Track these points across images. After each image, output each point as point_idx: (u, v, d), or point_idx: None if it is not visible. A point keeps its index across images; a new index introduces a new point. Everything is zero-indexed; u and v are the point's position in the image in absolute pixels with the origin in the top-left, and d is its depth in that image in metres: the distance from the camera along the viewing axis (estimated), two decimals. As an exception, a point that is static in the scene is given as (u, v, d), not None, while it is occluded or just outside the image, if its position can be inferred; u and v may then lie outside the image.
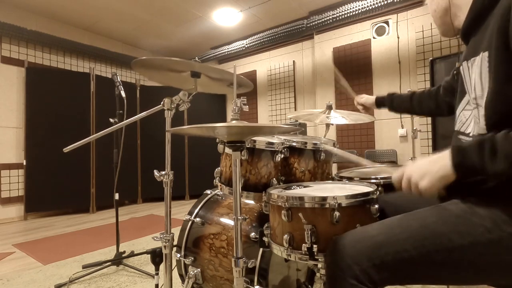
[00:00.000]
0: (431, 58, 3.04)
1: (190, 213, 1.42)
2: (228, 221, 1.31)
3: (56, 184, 4.03)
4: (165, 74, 1.25)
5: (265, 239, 1.01)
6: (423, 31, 3.72)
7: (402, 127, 3.87)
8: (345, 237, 0.75)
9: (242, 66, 5.58)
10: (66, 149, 1.36)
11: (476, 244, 0.64)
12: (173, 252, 1.29)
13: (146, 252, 1.46)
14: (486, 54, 0.69)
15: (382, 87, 4.01)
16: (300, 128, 0.99)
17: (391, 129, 3.95)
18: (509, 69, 0.64)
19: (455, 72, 0.87)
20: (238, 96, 0.95)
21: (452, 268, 0.66)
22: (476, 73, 0.72)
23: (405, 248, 0.67)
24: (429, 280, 0.70)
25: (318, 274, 0.95)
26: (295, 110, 4.94)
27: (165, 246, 1.24)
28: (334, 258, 0.73)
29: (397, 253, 0.67)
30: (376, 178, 1.19)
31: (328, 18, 4.20)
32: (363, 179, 1.21)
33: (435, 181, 0.67)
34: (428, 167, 0.69)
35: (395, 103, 1.34)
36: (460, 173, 0.65)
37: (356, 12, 3.95)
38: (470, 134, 0.76)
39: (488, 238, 0.64)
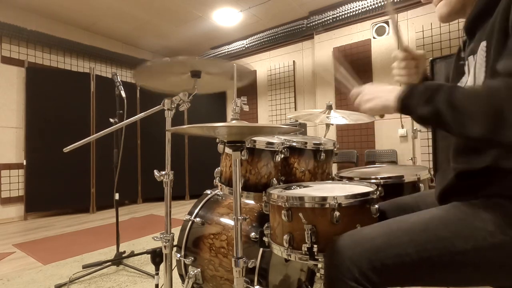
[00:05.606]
0: (431, 58, 3.03)
1: (190, 213, 1.42)
2: (228, 221, 1.31)
3: (56, 184, 4.03)
4: (166, 78, 1.25)
5: (265, 239, 1.01)
6: (423, 31, 3.72)
7: (402, 127, 3.87)
8: (344, 238, 0.73)
9: (242, 66, 5.57)
10: (66, 149, 1.36)
11: (479, 248, 0.63)
12: (173, 252, 1.29)
13: (146, 252, 1.46)
14: (484, 43, 0.67)
15: (382, 87, 4.01)
16: (300, 128, 0.99)
17: (391, 129, 3.95)
18: None
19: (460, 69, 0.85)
20: (238, 96, 0.95)
21: (454, 271, 0.66)
22: (476, 65, 0.70)
23: (407, 252, 0.66)
24: (429, 283, 0.69)
25: (318, 274, 0.95)
26: (295, 110, 4.94)
27: (165, 246, 1.24)
28: (333, 260, 0.72)
29: (398, 256, 0.66)
30: (376, 178, 1.19)
31: (328, 18, 4.20)
32: (363, 179, 1.21)
33: (377, 108, 0.73)
34: (379, 93, 0.73)
35: None
36: (398, 108, 0.68)
37: (356, 12, 3.95)
38: None
39: (491, 242, 0.63)
